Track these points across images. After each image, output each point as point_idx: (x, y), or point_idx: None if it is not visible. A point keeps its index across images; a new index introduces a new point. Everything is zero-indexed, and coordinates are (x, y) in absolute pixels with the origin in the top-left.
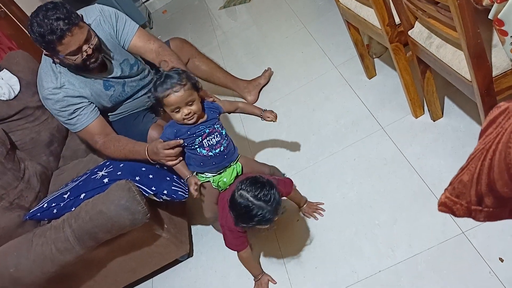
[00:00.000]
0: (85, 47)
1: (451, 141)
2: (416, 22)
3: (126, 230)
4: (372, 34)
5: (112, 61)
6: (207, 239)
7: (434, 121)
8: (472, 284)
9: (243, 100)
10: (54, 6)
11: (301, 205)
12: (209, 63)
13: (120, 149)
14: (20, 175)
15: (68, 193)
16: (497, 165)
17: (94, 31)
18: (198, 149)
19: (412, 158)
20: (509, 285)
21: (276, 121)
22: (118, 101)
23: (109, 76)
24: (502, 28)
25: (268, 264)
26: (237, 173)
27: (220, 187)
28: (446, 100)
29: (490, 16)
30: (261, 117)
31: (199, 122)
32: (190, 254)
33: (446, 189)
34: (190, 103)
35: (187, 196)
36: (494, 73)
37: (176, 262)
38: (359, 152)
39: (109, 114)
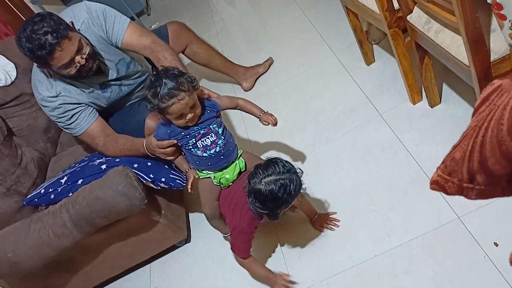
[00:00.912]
0: (77, 58)
1: (448, 127)
2: (415, 7)
3: (123, 215)
4: (371, 20)
5: (107, 64)
6: (205, 225)
7: (432, 107)
8: (467, 268)
9: (243, 97)
10: (41, 19)
11: (312, 218)
12: (208, 49)
13: (119, 149)
14: (17, 161)
15: (65, 178)
16: (489, 142)
17: (86, 38)
18: (192, 149)
19: (410, 144)
20: (503, 269)
21: (275, 125)
22: (115, 101)
23: (106, 79)
24: (501, 12)
25: (265, 249)
26: (240, 170)
27: (222, 183)
28: (444, 86)
29: (488, 0)
30: (259, 119)
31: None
32: (187, 240)
33: (438, 168)
34: (193, 106)
35: (185, 184)
36: (492, 58)
37: (173, 247)
38: (357, 139)
39: (105, 111)
